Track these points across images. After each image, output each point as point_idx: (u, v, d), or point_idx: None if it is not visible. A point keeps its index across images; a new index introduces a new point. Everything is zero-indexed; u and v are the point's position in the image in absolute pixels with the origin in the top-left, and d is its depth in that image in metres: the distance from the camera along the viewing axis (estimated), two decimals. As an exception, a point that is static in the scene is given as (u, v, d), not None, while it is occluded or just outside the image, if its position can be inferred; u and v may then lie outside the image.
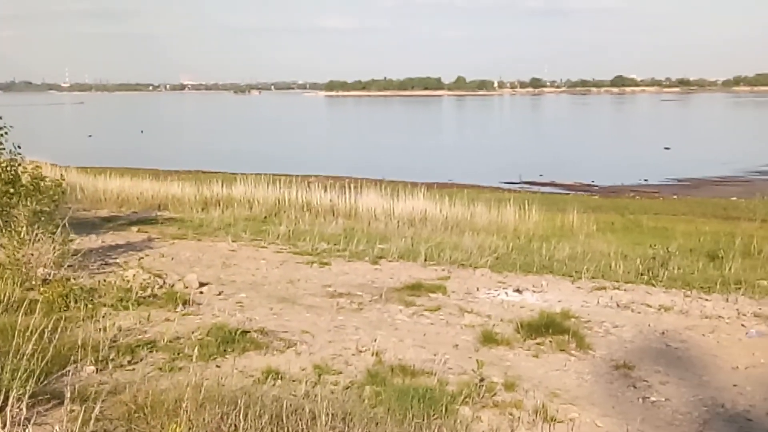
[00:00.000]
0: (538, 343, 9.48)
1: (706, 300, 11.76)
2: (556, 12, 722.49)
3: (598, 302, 11.69)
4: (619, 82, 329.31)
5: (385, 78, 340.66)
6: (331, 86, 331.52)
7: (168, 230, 17.35)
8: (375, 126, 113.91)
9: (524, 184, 41.77)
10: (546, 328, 9.82)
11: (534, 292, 12.23)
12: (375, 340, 9.01)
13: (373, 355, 8.58)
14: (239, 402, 5.90)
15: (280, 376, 7.63)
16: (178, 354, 8.17)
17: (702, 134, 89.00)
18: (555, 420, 7.08)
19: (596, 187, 41.97)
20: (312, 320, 10.11)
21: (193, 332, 9.01)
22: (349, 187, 20.90)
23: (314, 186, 22.14)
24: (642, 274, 13.41)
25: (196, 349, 7.87)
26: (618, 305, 11.53)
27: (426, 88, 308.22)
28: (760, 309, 11.26)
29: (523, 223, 18.95)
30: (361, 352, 8.74)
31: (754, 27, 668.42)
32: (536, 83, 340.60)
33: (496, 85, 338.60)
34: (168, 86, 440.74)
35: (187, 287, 11.44)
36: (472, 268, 13.77)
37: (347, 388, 7.51)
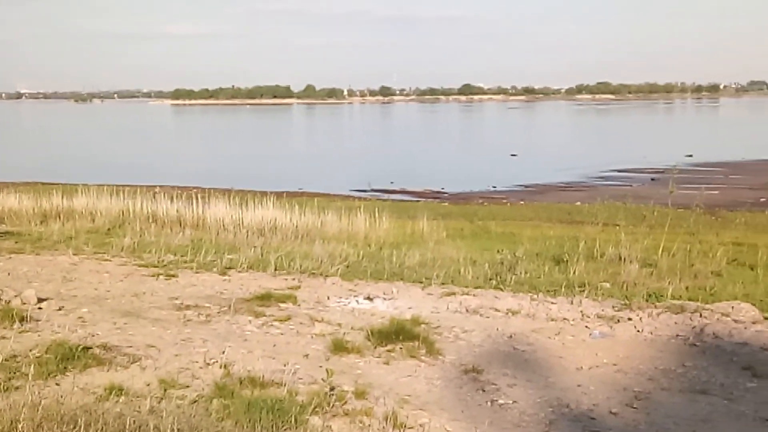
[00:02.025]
0: (388, 350, 9.47)
1: (552, 303, 12.00)
2: (404, 20, 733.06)
3: (447, 308, 11.78)
4: (467, 90, 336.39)
5: (233, 86, 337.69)
6: (177, 95, 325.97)
7: (3, 244, 16.58)
8: (223, 135, 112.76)
9: (375, 191, 42.05)
10: (396, 334, 9.83)
11: (385, 299, 12.24)
12: (223, 352, 8.82)
13: (221, 367, 8.38)
14: (79, 420, 5.65)
15: (123, 393, 7.34)
16: (15, 373, 7.77)
17: (547, 141, 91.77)
18: (405, 426, 7.06)
19: (446, 194, 42.66)
20: (158, 334, 9.82)
21: (30, 350, 8.59)
22: (197, 197, 20.48)
23: (160, 196, 21.60)
24: (490, 279, 13.59)
25: (33, 367, 7.51)
26: (467, 310, 11.65)
27: (275, 97, 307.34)
28: (602, 310, 11.56)
29: (373, 230, 18.99)
30: (208, 364, 8.53)
31: (595, 37, 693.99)
32: (386, 92, 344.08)
33: (345, 93, 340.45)
34: (3, 95, 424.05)
35: (24, 303, 10.92)
36: (322, 276, 13.69)
37: (194, 402, 7.29)
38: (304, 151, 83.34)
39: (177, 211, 19.89)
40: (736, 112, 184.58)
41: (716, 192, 39.21)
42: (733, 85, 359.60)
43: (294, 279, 13.50)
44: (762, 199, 37.85)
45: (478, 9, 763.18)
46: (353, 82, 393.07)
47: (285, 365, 8.50)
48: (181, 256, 15.40)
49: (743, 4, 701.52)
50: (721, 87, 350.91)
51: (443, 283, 13.23)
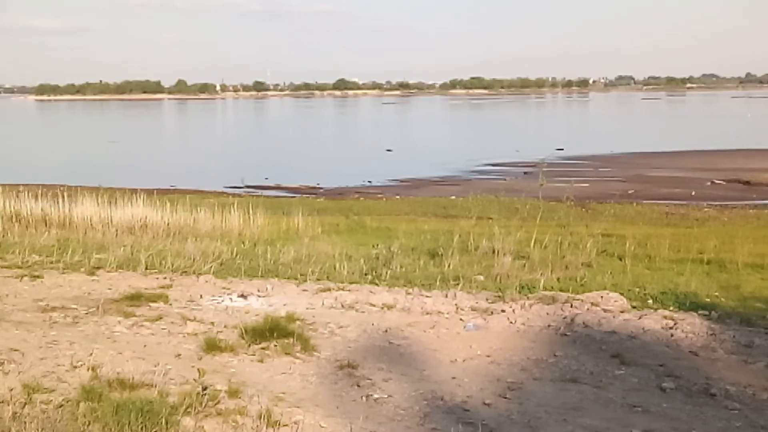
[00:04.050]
0: (263, 348, 9.33)
1: (427, 297, 12.06)
2: (277, 15, 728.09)
3: (323, 304, 11.71)
4: (342, 85, 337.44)
5: (101, 81, 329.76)
6: (41, 90, 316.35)
7: None
8: (90, 131, 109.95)
9: (249, 188, 41.66)
10: (271, 332, 9.69)
11: (259, 296, 12.08)
12: (91, 355, 8.52)
13: (88, 369, 8.09)
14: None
15: (-16, 400, 7.02)
16: None
17: (422, 135, 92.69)
18: (279, 424, 6.96)
19: (321, 190, 42.60)
20: (22, 337, 9.42)
21: None
22: (63, 195, 19.84)
23: (24, 195, 20.80)
24: (366, 274, 13.59)
25: None
26: (342, 306, 11.60)
27: (145, 92, 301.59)
28: (477, 303, 11.68)
29: (247, 227, 18.77)
30: (75, 367, 8.22)
31: (469, 32, 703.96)
32: (260, 87, 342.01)
33: (218, 88, 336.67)
34: None
35: None
36: (195, 275, 13.42)
37: (60, 407, 7.01)
38: (176, 147, 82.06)
39: (42, 210, 19.21)
40: (604, 106, 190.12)
41: (586, 185, 40.31)
42: (602, 80, 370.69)
43: (165, 278, 13.19)
44: (630, 192, 39.04)
45: (351, 4, 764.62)
46: (226, 78, 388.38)
47: (156, 366, 8.28)
48: (47, 256, 14.85)
49: (609, 1, 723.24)
50: (591, 82, 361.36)
51: (318, 279, 13.14)
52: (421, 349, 9.71)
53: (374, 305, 11.60)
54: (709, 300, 12.32)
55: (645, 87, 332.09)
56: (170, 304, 11.43)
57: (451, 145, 73.36)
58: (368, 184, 45.08)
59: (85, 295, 11.92)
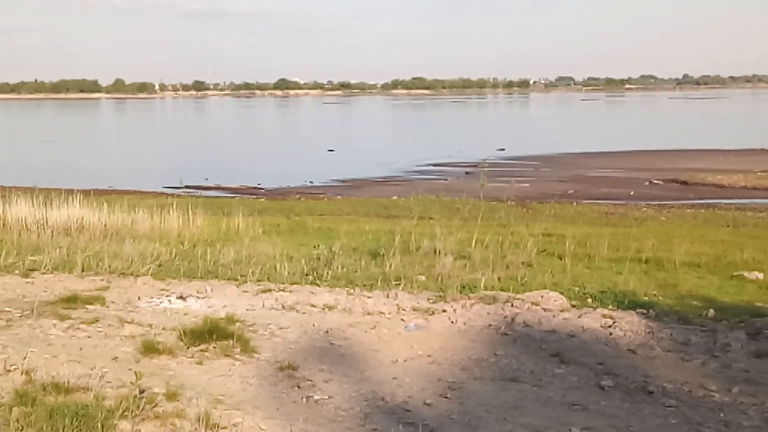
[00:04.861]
0: (202, 350, 9.22)
1: (368, 297, 12.03)
2: (218, 14, 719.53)
3: (263, 305, 11.62)
4: (283, 85, 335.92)
5: (36, 80, 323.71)
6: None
7: None
8: (24, 130, 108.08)
9: (189, 188, 41.22)
10: (210, 334, 9.58)
11: (198, 298, 11.95)
12: (25, 358, 8.34)
13: (22, 374, 7.92)
14: None
15: None
16: None
17: (364, 135, 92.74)
18: (218, 426, 6.87)
19: (262, 190, 42.36)
20: (-47, 341, 9.21)
21: None
22: (-5, 196, 19.44)
23: (-46, 197, 20.31)
24: (307, 275, 13.51)
25: None
26: (283, 307, 11.52)
27: (82, 91, 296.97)
28: (418, 303, 11.68)
29: (187, 228, 18.56)
30: (9, 371, 8.04)
31: (411, 33, 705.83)
32: (199, 86, 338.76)
33: (157, 88, 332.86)
34: None
35: None
36: (133, 276, 13.22)
37: (-8, 412, 6.86)
38: (114, 147, 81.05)
39: (-27, 212, 18.77)
40: (545, 106, 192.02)
41: (527, 185, 40.63)
42: (543, 81, 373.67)
43: (102, 280, 12.97)
44: (570, 191, 39.39)
45: (292, 4, 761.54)
46: (165, 77, 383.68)
47: (92, 369, 8.13)
48: (-21, 258, 14.52)
49: (548, 2, 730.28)
50: (531, 83, 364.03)
51: (259, 280, 13.04)
52: (363, 350, 9.67)
53: (315, 306, 11.54)
54: (647, 298, 12.49)
55: (585, 88, 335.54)
56: (107, 307, 11.24)
57: (393, 146, 73.45)
58: (310, 184, 44.93)
59: (19, 297, 11.66)
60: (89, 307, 11.11)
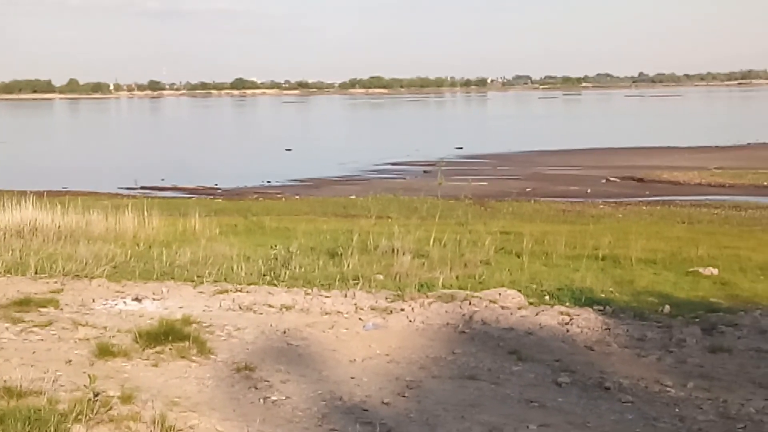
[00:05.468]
0: (157, 352, 9.13)
1: (326, 297, 11.98)
2: (173, 13, 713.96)
3: (220, 306, 11.53)
4: (240, 84, 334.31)
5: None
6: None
7: None
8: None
9: (145, 189, 40.89)
10: (166, 335, 9.49)
11: (154, 299, 11.83)
12: (-24, 363, 8.22)
13: (-27, 379, 7.80)
14: None
15: None
16: None
17: (322, 135, 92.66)
18: (174, 429, 6.82)
19: (219, 190, 42.11)
20: None
21: None
22: (-57, 200, 19.08)
23: None
24: (264, 275, 13.43)
25: None
26: (240, 307, 11.45)
27: (35, 91, 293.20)
28: (376, 302, 11.66)
29: (142, 229, 18.36)
30: (-41, 376, 7.91)
31: (369, 32, 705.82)
32: (155, 86, 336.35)
33: (112, 87, 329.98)
34: None
35: None
36: (87, 278, 13.05)
37: (-58, 418, 6.73)
38: (68, 147, 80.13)
39: None
40: (503, 105, 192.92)
41: (485, 183, 40.78)
42: (500, 80, 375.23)
43: (56, 282, 12.79)
44: (528, 189, 39.57)
45: (249, 3, 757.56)
46: (120, 77, 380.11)
47: (45, 373, 8.01)
48: (-72, 262, 14.26)
49: (505, 1, 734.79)
50: (489, 81, 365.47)
51: (216, 281, 12.94)
52: (320, 350, 9.64)
53: (273, 306, 11.48)
54: (603, 295, 12.57)
55: (542, 86, 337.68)
56: (61, 309, 11.10)
57: (351, 145, 73.42)
58: (267, 184, 44.75)
59: (-30, 301, 11.49)
60: (42, 310, 10.96)
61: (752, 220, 27.76)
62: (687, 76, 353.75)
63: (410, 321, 10.94)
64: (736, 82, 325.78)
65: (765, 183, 39.84)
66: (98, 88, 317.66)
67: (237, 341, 9.87)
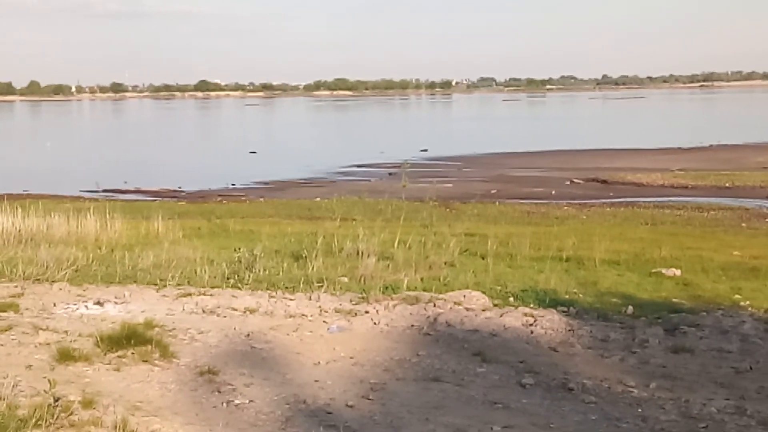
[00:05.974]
0: (119, 356, 9.04)
1: (291, 299, 11.94)
2: (135, 15, 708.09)
3: (183, 309, 11.44)
4: (204, 86, 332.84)
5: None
6: None
7: None
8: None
9: (107, 192, 40.54)
10: (128, 339, 9.40)
11: (116, 303, 11.72)
12: (-66, 369, 8.09)
13: (-70, 385, 7.67)
14: None
15: None
16: None
17: (286, 137, 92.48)
18: (136, 434, 6.75)
19: (183, 193, 41.85)
20: None
21: None
22: None
23: None
24: (228, 278, 13.34)
25: None
26: (204, 311, 11.36)
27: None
28: (340, 305, 11.63)
29: (105, 232, 18.16)
30: None
31: (334, 33, 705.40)
32: (117, 88, 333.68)
33: (74, 90, 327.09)
34: None
35: None
36: (48, 282, 12.90)
37: None
38: (29, 150, 79.27)
39: None
40: (467, 107, 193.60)
41: (450, 185, 40.88)
42: (465, 82, 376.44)
43: (16, 286, 12.63)
44: (492, 191, 39.67)
45: (212, 5, 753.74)
46: (82, 79, 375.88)
47: (4, 378, 7.90)
48: None
49: (472, 2, 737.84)
50: (454, 83, 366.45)
51: (179, 284, 12.84)
52: (284, 353, 9.60)
53: (236, 309, 11.40)
54: (567, 297, 12.61)
55: (506, 88, 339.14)
56: (21, 314, 10.96)
57: (315, 147, 73.30)
58: (231, 186, 44.56)
59: (-72, 306, 11.31)
60: (2, 314, 10.80)
61: (714, 221, 28.09)
62: (650, 78, 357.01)
63: (375, 323, 10.91)
64: (698, 84, 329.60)
65: (727, 184, 40.24)
66: (60, 90, 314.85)
67: (200, 345, 9.80)
